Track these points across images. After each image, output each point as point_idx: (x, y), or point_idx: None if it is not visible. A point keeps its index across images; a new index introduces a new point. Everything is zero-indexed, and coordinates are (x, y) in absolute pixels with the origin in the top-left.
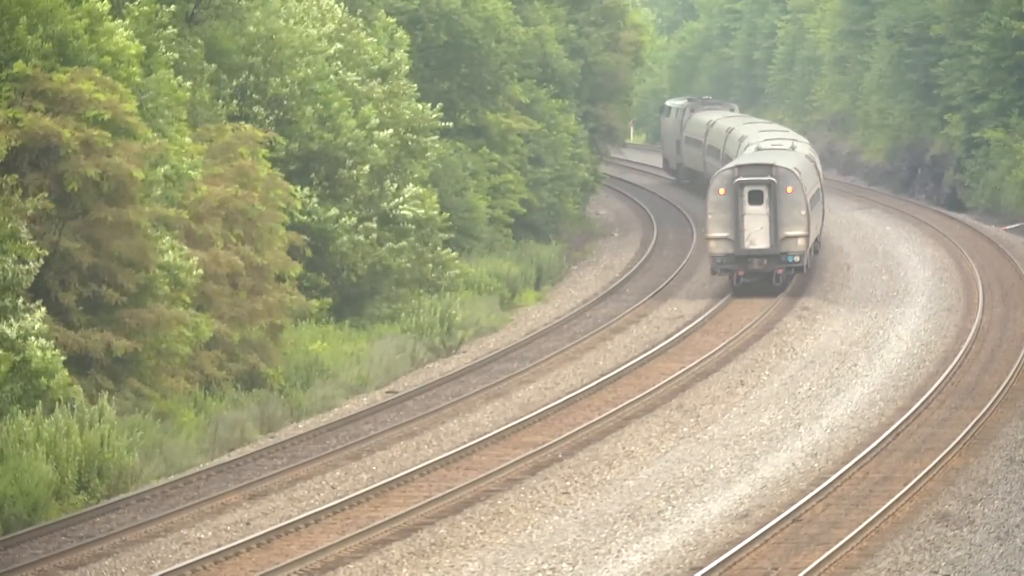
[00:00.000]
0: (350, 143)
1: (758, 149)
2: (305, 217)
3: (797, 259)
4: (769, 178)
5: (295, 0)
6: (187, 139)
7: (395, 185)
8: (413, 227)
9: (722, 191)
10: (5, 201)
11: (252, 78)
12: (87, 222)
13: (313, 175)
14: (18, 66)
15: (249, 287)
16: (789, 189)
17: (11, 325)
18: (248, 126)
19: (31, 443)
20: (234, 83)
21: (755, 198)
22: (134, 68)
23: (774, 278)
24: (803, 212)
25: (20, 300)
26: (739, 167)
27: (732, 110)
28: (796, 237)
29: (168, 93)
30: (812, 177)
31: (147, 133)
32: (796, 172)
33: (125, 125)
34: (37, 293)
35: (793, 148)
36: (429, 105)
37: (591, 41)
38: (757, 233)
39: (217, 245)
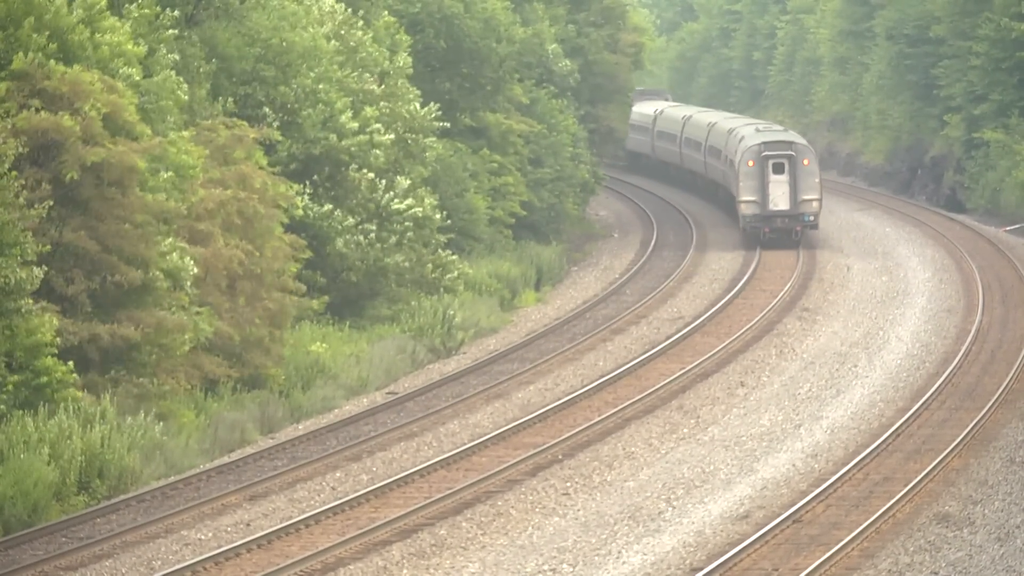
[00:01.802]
0: (353, 147)
1: (757, 131)
2: (301, 212)
3: (812, 218)
4: (790, 152)
5: (295, 3)
6: (185, 135)
7: (385, 182)
8: (411, 224)
9: (751, 163)
10: (10, 204)
11: (261, 87)
12: (88, 217)
13: (316, 176)
14: (17, 60)
15: (248, 292)
16: (806, 161)
17: (19, 335)
18: (243, 123)
19: (34, 445)
20: (241, 91)
21: (778, 168)
22: (134, 69)
23: (793, 234)
24: (816, 180)
25: (25, 301)
26: (765, 143)
27: (667, 99)
28: (811, 200)
29: (169, 95)
30: None
31: (146, 131)
32: (811, 148)
33: (124, 124)
34: (41, 291)
35: (787, 131)
36: (434, 106)
37: (591, 40)
38: (780, 197)
39: (217, 242)
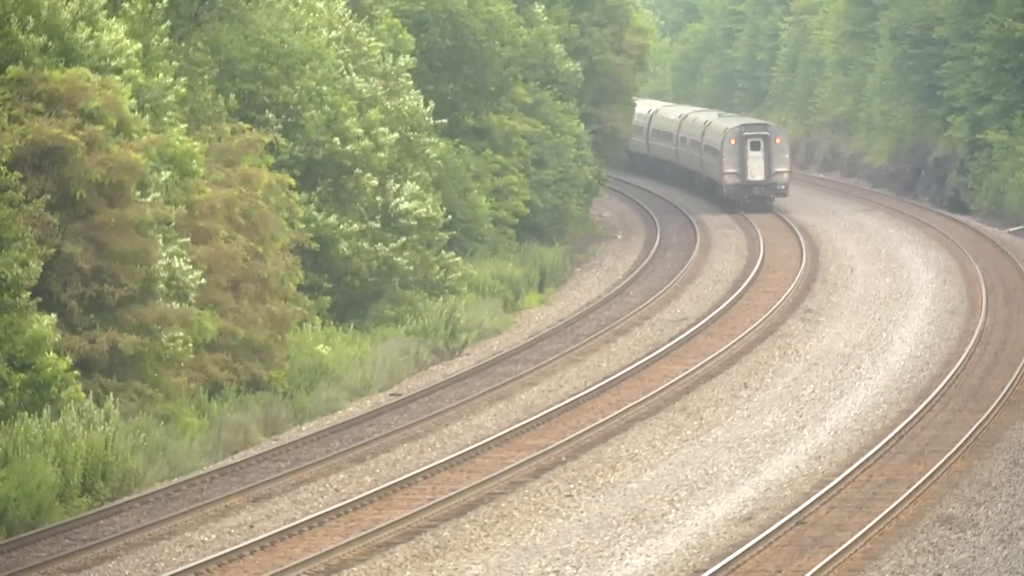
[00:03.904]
0: (356, 151)
1: (720, 116)
2: (304, 226)
3: (783, 187)
4: (765, 133)
5: (302, 10)
6: (183, 127)
7: (397, 185)
8: (415, 224)
9: (733, 141)
10: (9, 201)
11: (263, 87)
12: (89, 224)
13: (319, 182)
14: (12, 71)
15: (252, 295)
16: (778, 140)
17: (20, 333)
18: (249, 127)
19: (39, 446)
20: (245, 88)
21: (755, 146)
22: (135, 70)
23: (767, 200)
24: (787, 156)
25: (22, 297)
26: (744, 125)
27: None
28: (782, 172)
29: (167, 88)
30: None
31: (144, 125)
32: (783, 129)
33: (122, 121)
34: (40, 295)
35: (740, 115)
36: (432, 105)
37: (595, 40)
38: (756, 169)
39: (220, 238)
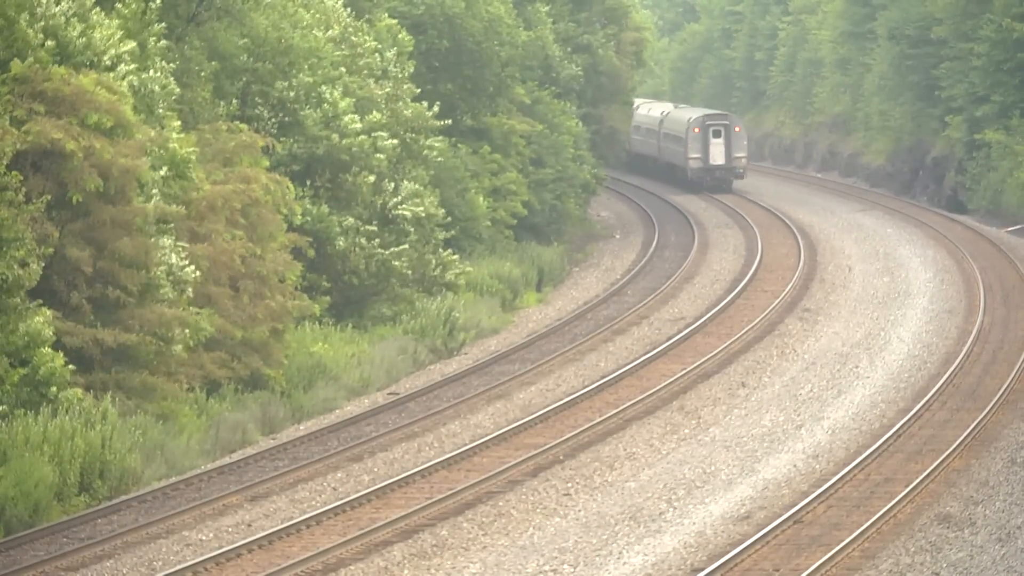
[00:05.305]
0: (354, 148)
1: (676, 107)
2: (301, 219)
3: (741, 171)
4: (726, 122)
5: (301, 8)
6: (176, 124)
7: (392, 184)
8: (412, 227)
9: (696, 130)
10: (9, 201)
11: (256, 84)
12: (88, 223)
13: (316, 178)
14: (15, 66)
15: (251, 291)
16: (737, 128)
17: (16, 331)
18: (246, 128)
19: (38, 445)
20: (237, 84)
21: (716, 134)
22: (130, 66)
23: (727, 182)
24: (745, 143)
25: (20, 299)
26: (707, 115)
27: None
28: (741, 157)
29: (160, 86)
30: None
31: (148, 132)
32: (741, 119)
33: (124, 124)
34: (43, 296)
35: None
36: (426, 104)
37: (596, 38)
38: (718, 155)
39: (220, 238)
